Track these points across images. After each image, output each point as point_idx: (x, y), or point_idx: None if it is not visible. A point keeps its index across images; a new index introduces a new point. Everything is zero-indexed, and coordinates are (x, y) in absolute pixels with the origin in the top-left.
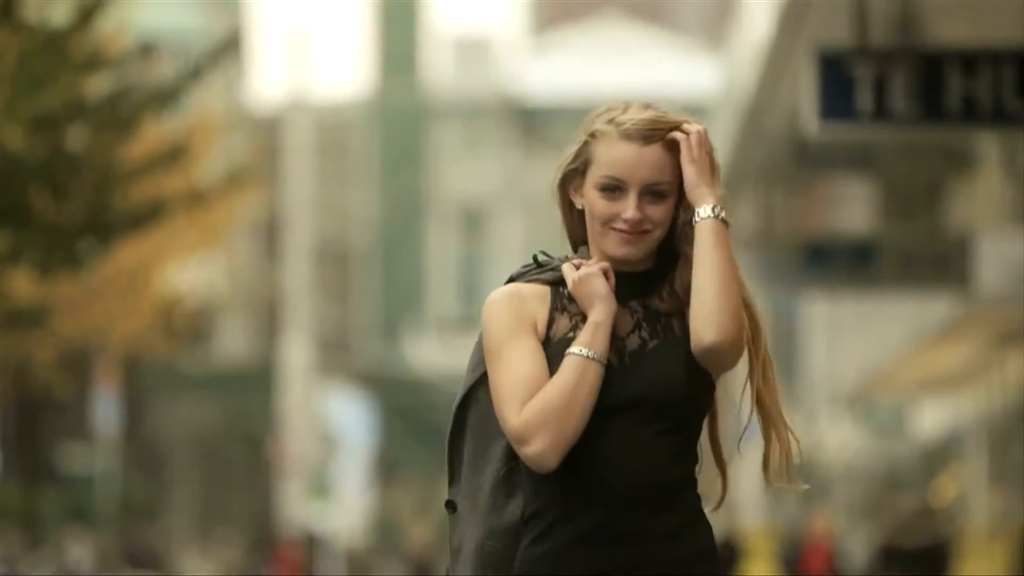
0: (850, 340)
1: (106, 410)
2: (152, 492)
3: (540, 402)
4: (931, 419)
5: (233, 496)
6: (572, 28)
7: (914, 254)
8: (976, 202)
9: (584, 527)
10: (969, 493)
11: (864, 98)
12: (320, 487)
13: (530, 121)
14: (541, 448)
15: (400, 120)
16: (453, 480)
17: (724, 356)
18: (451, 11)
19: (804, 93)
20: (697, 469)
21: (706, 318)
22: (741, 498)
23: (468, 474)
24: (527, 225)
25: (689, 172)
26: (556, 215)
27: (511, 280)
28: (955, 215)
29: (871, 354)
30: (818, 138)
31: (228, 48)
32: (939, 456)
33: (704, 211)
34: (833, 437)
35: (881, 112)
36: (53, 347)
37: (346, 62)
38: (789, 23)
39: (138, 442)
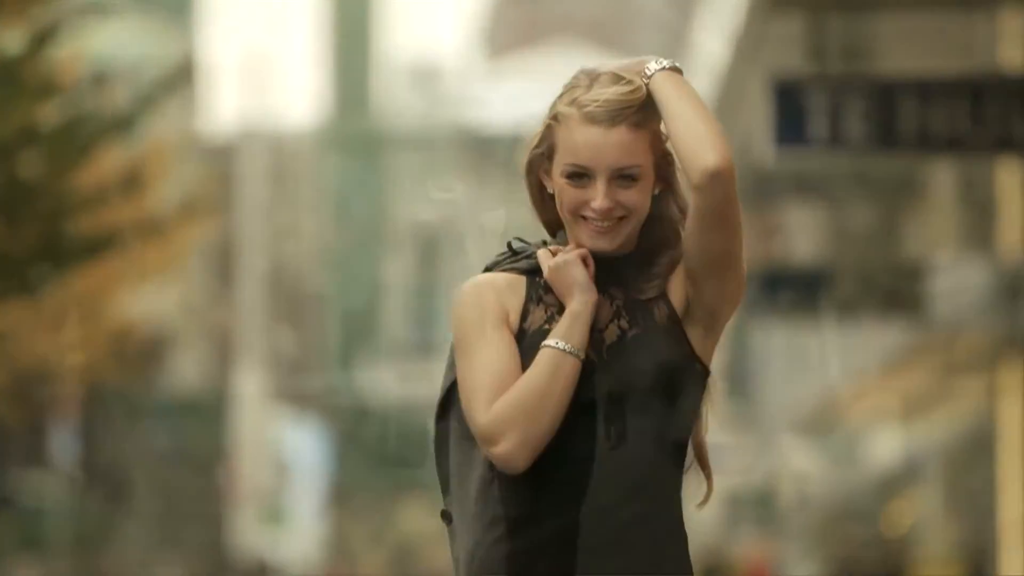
0: (805, 368)
1: (62, 439)
2: (105, 520)
3: (510, 399)
4: (887, 447)
5: (187, 524)
6: (527, 54)
7: (869, 282)
8: (931, 230)
9: (554, 530)
10: (925, 521)
11: (819, 125)
12: (273, 514)
13: (486, 148)
14: (509, 448)
15: (354, 147)
16: (446, 489)
17: (724, 180)
18: (405, 38)
19: (759, 120)
20: (687, 464)
21: (699, 143)
22: (701, 523)
23: (456, 482)
24: (483, 253)
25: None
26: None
27: (486, 270)
28: (910, 243)
29: (826, 382)
30: (773, 165)
31: (182, 76)
32: (895, 484)
33: (650, 68)
34: (789, 465)
35: (836, 139)
36: (6, 375)
37: (300, 89)
38: (744, 51)
39: (91, 470)
